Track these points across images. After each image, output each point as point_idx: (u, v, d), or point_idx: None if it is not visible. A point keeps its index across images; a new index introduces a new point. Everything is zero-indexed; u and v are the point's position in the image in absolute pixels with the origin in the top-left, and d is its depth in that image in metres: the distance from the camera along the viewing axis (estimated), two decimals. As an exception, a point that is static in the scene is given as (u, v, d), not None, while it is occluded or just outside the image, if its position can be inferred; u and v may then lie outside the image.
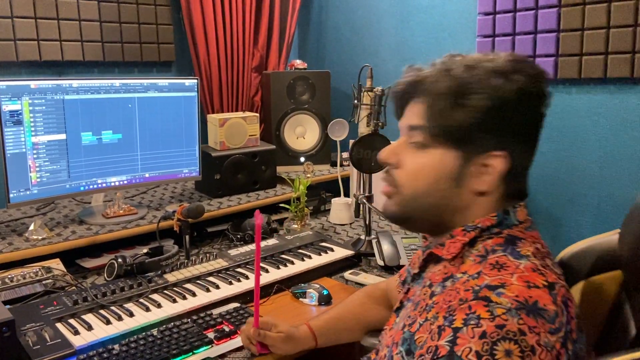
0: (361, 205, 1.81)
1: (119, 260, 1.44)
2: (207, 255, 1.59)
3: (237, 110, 2.44)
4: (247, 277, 1.46)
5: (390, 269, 1.60)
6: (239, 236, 1.80)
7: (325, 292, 1.40)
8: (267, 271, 1.51)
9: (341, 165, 2.21)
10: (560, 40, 1.77)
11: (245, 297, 1.39)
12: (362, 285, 1.51)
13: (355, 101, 1.70)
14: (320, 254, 1.64)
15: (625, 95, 1.69)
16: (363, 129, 1.68)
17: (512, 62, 0.79)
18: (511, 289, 0.68)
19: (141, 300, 1.32)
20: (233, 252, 1.61)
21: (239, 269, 1.52)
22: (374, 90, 1.63)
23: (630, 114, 1.69)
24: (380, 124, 1.64)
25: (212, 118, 2.08)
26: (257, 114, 2.16)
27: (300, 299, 1.42)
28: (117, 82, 1.70)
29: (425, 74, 0.83)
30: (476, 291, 0.70)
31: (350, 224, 2.08)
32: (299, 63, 2.35)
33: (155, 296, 1.35)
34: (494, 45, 1.96)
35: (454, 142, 0.79)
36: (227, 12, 2.31)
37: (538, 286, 0.69)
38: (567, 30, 1.75)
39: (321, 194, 2.25)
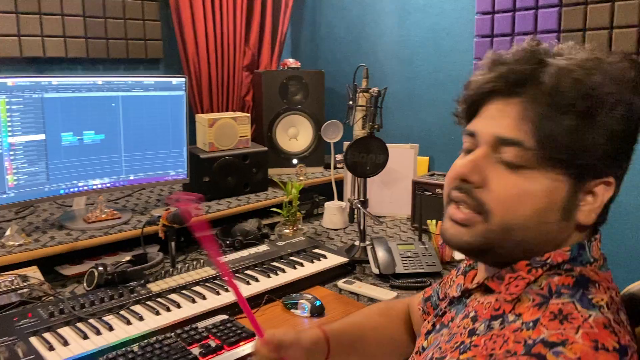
0: (355, 210, 1.74)
1: (100, 268, 1.36)
2: (194, 262, 1.52)
3: (227, 110, 2.37)
4: (235, 287, 1.38)
5: (385, 277, 1.53)
6: (228, 242, 1.72)
7: (317, 303, 1.33)
8: (257, 280, 1.44)
9: (335, 167, 2.14)
10: (561, 41, 1.71)
11: (233, 309, 1.31)
12: (356, 294, 1.44)
13: (350, 102, 1.63)
14: (312, 262, 1.57)
15: (629, 98, 1.64)
16: (358, 132, 1.61)
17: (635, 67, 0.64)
18: (573, 348, 0.55)
19: (122, 312, 1.24)
20: (221, 259, 1.54)
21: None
22: (370, 91, 1.57)
23: (633, 117, 1.64)
24: (376, 126, 1.57)
25: (201, 118, 2.00)
26: (249, 114, 2.08)
27: (292, 310, 1.35)
28: (99, 80, 1.62)
29: (531, 68, 0.66)
30: (529, 345, 0.57)
31: (344, 228, 2.02)
32: (292, 62, 2.28)
33: (137, 308, 1.27)
34: (492, 45, 1.90)
35: (570, 167, 0.64)
36: (217, 8, 2.24)
37: (607, 349, 0.55)
38: (569, 30, 1.69)
39: (314, 197, 2.17)
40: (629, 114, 0.63)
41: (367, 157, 1.59)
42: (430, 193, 1.91)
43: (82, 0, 1.99)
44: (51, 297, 1.35)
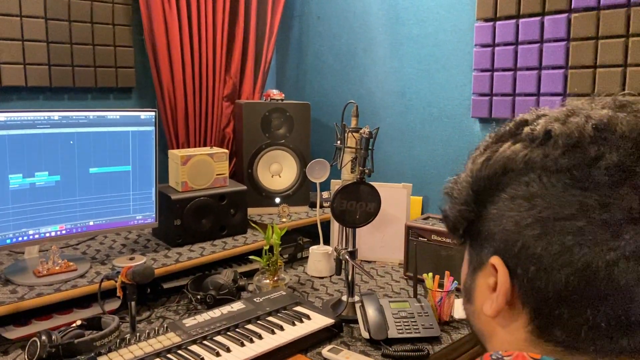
0: (343, 262, 1.56)
1: (43, 338, 1.16)
2: (157, 325, 1.32)
3: (205, 144, 2.19)
4: (202, 360, 1.19)
5: (376, 342, 1.34)
6: (199, 297, 1.53)
7: (298, 383, 1.14)
8: (228, 350, 1.24)
9: (321, 207, 1.97)
10: (569, 78, 1.57)
11: (198, 390, 1.11)
12: (343, 366, 1.25)
13: (338, 143, 1.46)
14: (294, 324, 1.38)
15: (644, 141, 1.49)
16: (347, 176, 1.44)
17: (521, 123, 0.55)
18: None
19: (63, 397, 1.04)
20: (189, 322, 1.34)
21: (193, 347, 1.24)
22: (361, 131, 1.40)
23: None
24: (366, 170, 1.40)
25: (174, 155, 1.82)
26: (227, 151, 1.90)
27: (268, 389, 1.15)
28: (55, 115, 1.43)
29: None
30: None
31: (330, 276, 1.83)
32: (275, 93, 2.12)
33: (82, 390, 1.07)
34: (492, 80, 1.76)
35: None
36: (196, 33, 2.07)
37: None
38: (577, 67, 1.55)
39: (298, 240, 1.99)
40: (475, 174, 0.57)
41: (357, 205, 1.42)
42: (425, 239, 1.74)
43: (46, 24, 1.82)
44: (-17, 375, 1.14)
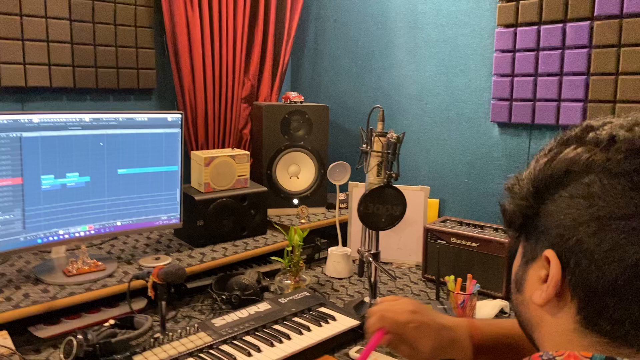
0: (366, 263, 1.58)
1: (79, 337, 1.18)
2: (186, 325, 1.34)
3: (224, 145, 2.21)
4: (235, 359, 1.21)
5: (401, 344, 1.36)
6: (224, 297, 1.55)
7: (330, 383, 1.16)
8: (258, 350, 1.26)
9: (339, 208, 1.99)
10: (591, 85, 1.59)
11: (233, 389, 1.14)
12: (371, 367, 1.27)
13: (365, 146, 1.48)
14: (320, 324, 1.40)
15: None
16: (373, 180, 1.46)
17: (587, 128, 0.60)
18: None
19: (104, 395, 1.07)
20: (218, 322, 1.36)
21: (224, 347, 1.27)
22: (388, 136, 1.42)
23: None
24: (393, 174, 1.42)
25: (197, 156, 1.84)
26: (248, 152, 1.93)
27: (300, 388, 1.18)
28: (87, 117, 1.45)
29: None
30: None
31: (349, 277, 1.86)
32: (294, 95, 2.14)
33: (121, 389, 1.09)
34: (512, 85, 1.78)
35: (512, 234, 0.66)
36: (217, 36, 2.09)
37: None
38: (599, 74, 1.57)
39: (316, 241, 2.01)
40: (540, 173, 0.61)
41: (383, 209, 1.44)
42: (445, 242, 1.76)
43: (70, 26, 1.83)
44: (21, 372, 1.17)
